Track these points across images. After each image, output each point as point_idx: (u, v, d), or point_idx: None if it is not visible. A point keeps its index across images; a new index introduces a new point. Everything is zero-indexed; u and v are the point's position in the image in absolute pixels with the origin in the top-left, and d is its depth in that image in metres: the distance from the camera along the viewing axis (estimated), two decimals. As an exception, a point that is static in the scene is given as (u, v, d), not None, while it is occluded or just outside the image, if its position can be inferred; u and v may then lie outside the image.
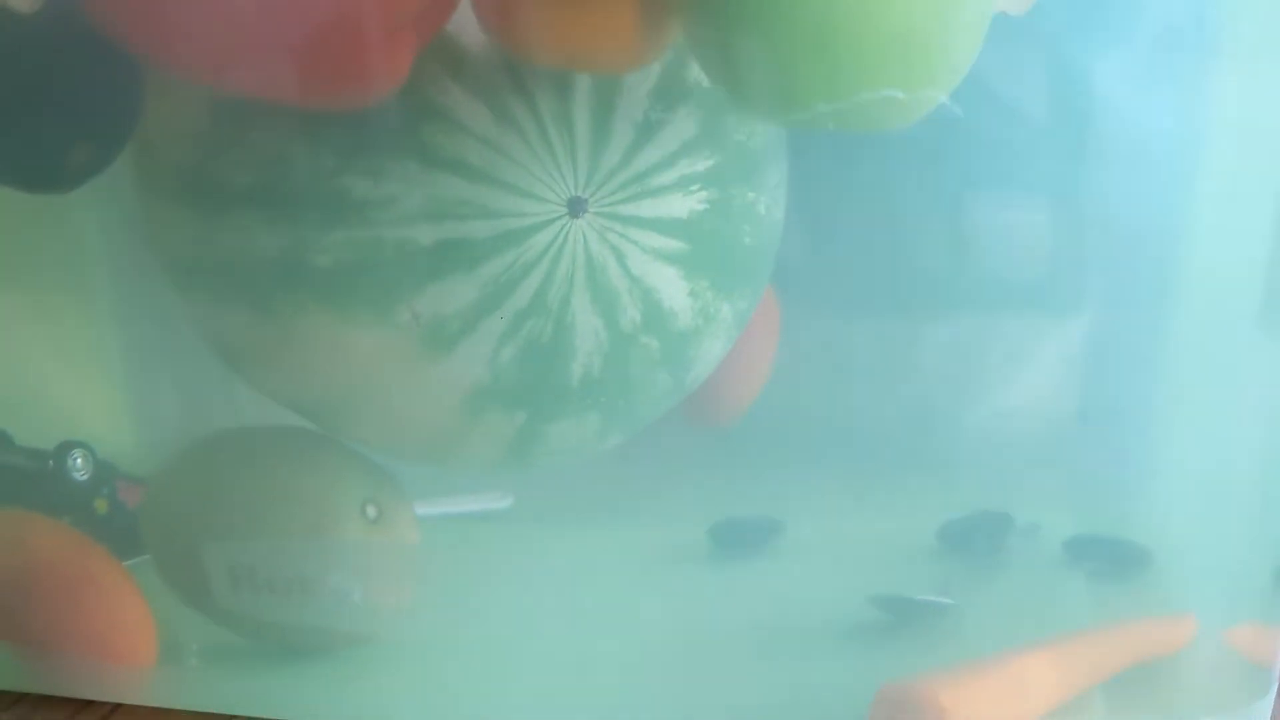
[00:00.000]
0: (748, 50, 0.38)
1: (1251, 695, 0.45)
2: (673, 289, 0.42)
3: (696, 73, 0.41)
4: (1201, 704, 0.46)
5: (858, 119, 0.38)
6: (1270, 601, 0.46)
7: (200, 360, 0.51)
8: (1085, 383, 0.52)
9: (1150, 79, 0.46)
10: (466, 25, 0.39)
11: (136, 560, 0.55)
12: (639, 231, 0.41)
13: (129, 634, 0.49)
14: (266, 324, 0.42)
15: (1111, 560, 0.52)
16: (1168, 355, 0.51)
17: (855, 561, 0.51)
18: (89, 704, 0.49)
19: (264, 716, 0.47)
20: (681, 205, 0.42)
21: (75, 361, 0.56)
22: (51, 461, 0.54)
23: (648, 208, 0.41)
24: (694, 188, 0.42)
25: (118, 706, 0.48)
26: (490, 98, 0.40)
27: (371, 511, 0.46)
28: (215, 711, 0.47)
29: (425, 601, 0.50)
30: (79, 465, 0.55)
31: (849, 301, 0.51)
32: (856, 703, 0.44)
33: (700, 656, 0.47)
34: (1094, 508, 0.53)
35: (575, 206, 0.41)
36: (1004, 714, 0.44)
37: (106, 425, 0.57)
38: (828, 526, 0.53)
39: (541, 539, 0.52)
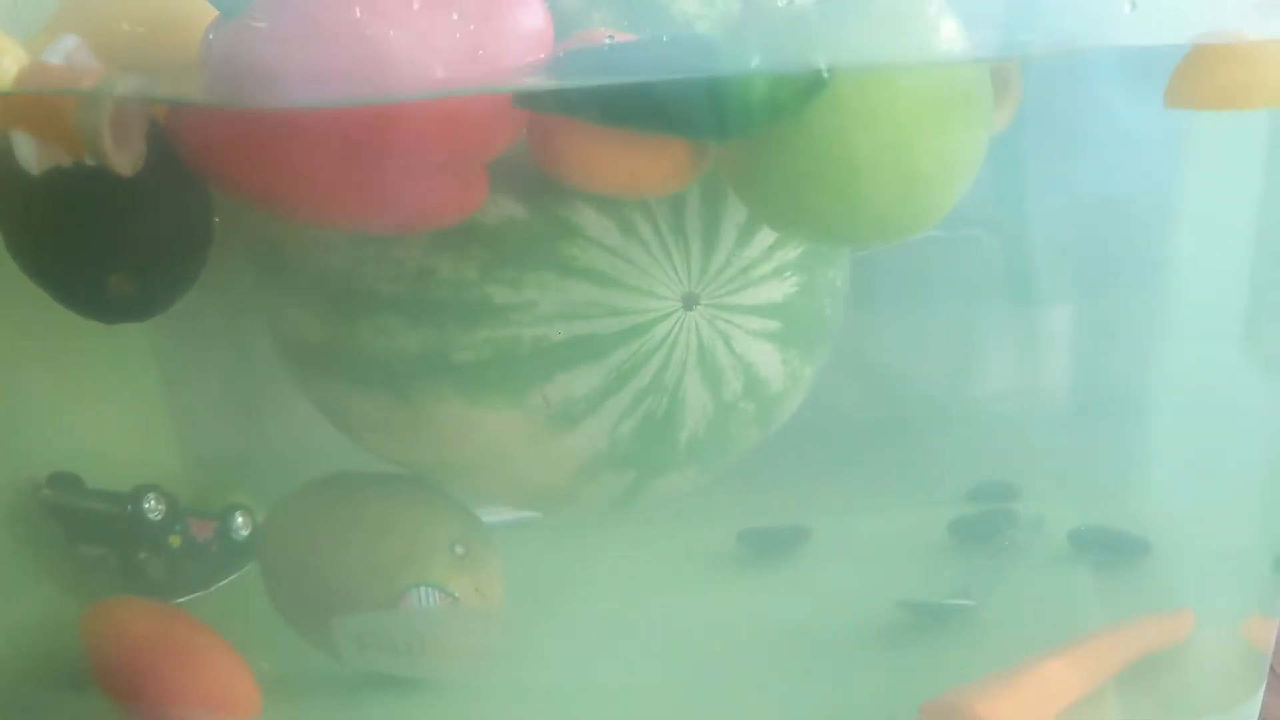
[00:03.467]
0: (773, 193, 0.43)
1: (1247, 687, 0.51)
2: (768, 361, 0.48)
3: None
4: (1201, 696, 0.51)
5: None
6: (1268, 594, 0.51)
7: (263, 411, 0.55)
8: (1086, 375, 0.57)
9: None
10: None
11: (215, 588, 0.59)
12: (742, 317, 0.47)
13: (234, 691, 0.52)
14: (400, 408, 0.47)
15: (1113, 551, 0.57)
16: (1167, 347, 0.55)
17: (877, 562, 0.55)
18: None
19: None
20: (777, 290, 0.47)
21: (142, 409, 0.59)
22: (129, 505, 0.58)
23: (749, 296, 0.47)
24: (787, 274, 0.47)
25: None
26: (616, 214, 0.44)
27: (459, 550, 0.51)
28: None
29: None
30: (153, 506, 0.58)
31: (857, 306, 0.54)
32: (890, 707, 0.49)
33: (732, 662, 0.51)
34: (1096, 500, 0.59)
35: (689, 301, 0.46)
36: (1030, 717, 0.49)
37: (172, 467, 0.60)
38: (850, 529, 0.58)
39: (570, 547, 0.56)
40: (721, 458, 0.49)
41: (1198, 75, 0.42)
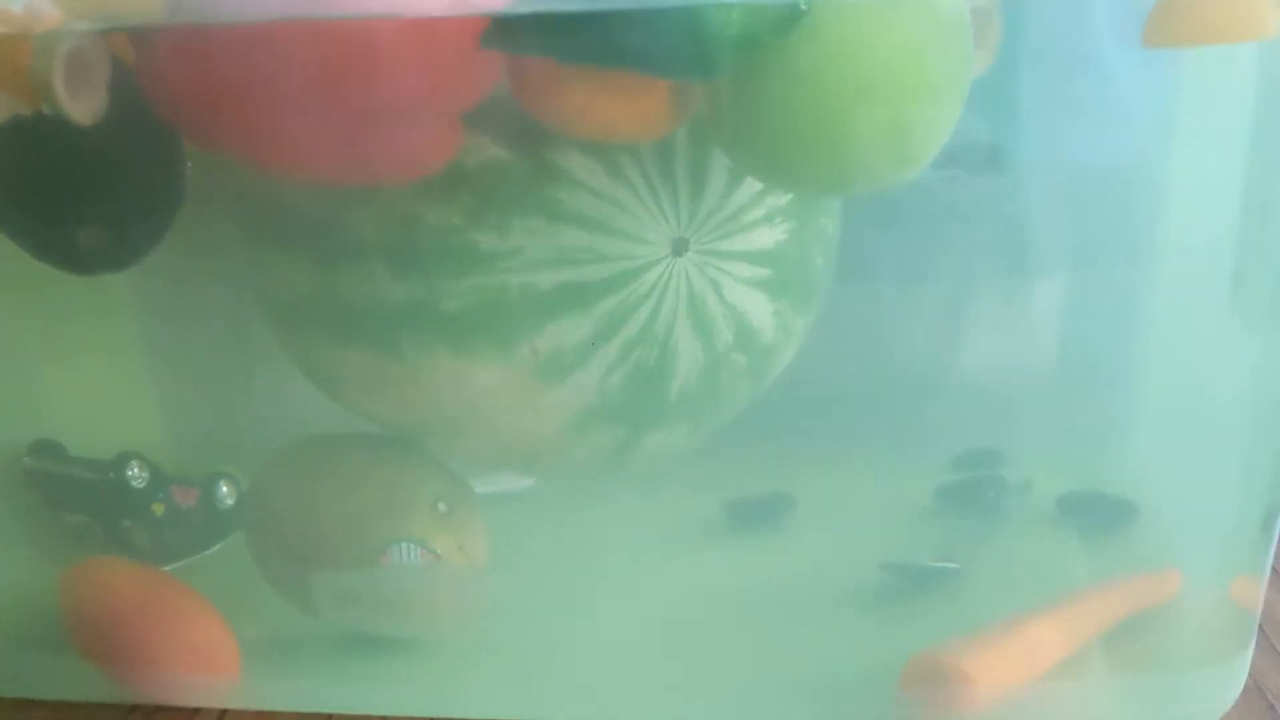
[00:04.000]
0: (756, 141, 0.42)
1: (1235, 646, 0.50)
2: (760, 311, 0.47)
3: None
4: (1189, 655, 0.51)
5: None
6: (1255, 555, 0.51)
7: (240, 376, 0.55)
8: (1073, 342, 0.56)
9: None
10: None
11: (198, 558, 0.58)
12: (733, 263, 0.46)
13: (214, 650, 0.52)
14: (388, 364, 0.46)
15: (1101, 515, 0.57)
16: (1153, 313, 0.55)
17: (863, 529, 0.55)
18: (196, 711, 0.52)
19: (352, 712, 0.51)
20: (768, 237, 0.46)
21: (125, 379, 0.58)
22: (111, 472, 0.57)
23: (740, 242, 0.46)
24: (778, 220, 0.46)
25: (224, 712, 0.52)
26: (604, 157, 0.43)
27: (443, 507, 0.51)
28: (310, 710, 0.51)
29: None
30: (136, 474, 0.58)
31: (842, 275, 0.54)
32: (874, 665, 0.48)
33: (722, 626, 0.51)
34: (1083, 464, 0.58)
35: (678, 246, 0.45)
36: (1016, 673, 0.48)
37: (155, 437, 0.59)
38: (834, 497, 0.57)
39: (561, 517, 0.55)
40: (713, 414, 0.49)
41: (1177, 11, 0.41)
